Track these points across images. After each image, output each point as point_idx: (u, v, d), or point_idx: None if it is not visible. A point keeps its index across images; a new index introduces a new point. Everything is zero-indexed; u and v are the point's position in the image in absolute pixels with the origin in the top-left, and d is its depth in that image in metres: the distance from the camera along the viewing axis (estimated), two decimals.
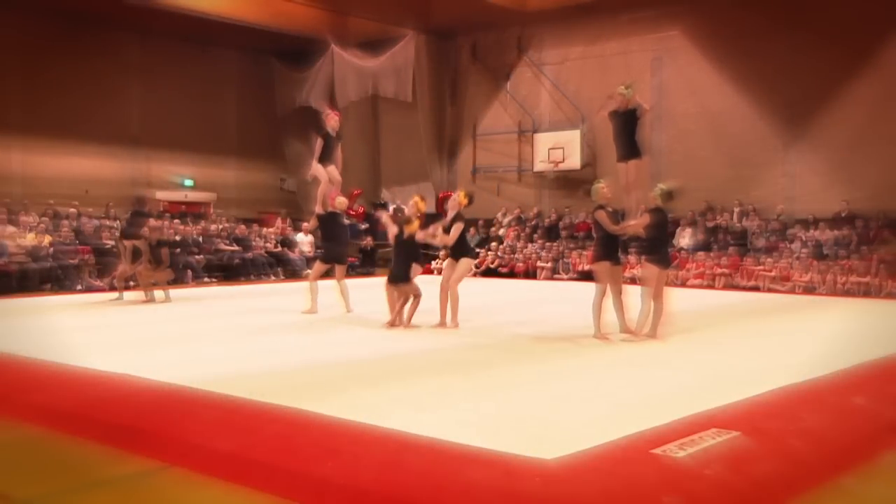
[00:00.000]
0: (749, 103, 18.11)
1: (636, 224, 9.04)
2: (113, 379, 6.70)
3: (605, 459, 4.49)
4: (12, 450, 5.24)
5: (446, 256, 10.46)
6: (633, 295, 9.25)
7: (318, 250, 11.07)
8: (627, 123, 9.37)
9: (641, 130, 9.49)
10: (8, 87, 18.82)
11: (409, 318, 9.89)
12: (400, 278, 9.90)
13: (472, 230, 20.81)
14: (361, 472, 4.32)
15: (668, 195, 9.03)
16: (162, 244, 13.53)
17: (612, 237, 9.02)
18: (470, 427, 5.09)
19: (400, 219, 10.18)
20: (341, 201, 11.87)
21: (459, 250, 9.95)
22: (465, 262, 9.99)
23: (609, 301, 9.02)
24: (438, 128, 22.77)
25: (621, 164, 9.53)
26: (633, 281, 17.36)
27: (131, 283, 14.00)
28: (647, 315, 8.93)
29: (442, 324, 9.88)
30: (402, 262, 9.95)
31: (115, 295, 13.63)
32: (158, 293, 13.27)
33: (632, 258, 17.79)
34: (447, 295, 9.89)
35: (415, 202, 10.31)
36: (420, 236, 10.08)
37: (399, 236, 10.00)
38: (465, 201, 10.05)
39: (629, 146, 9.40)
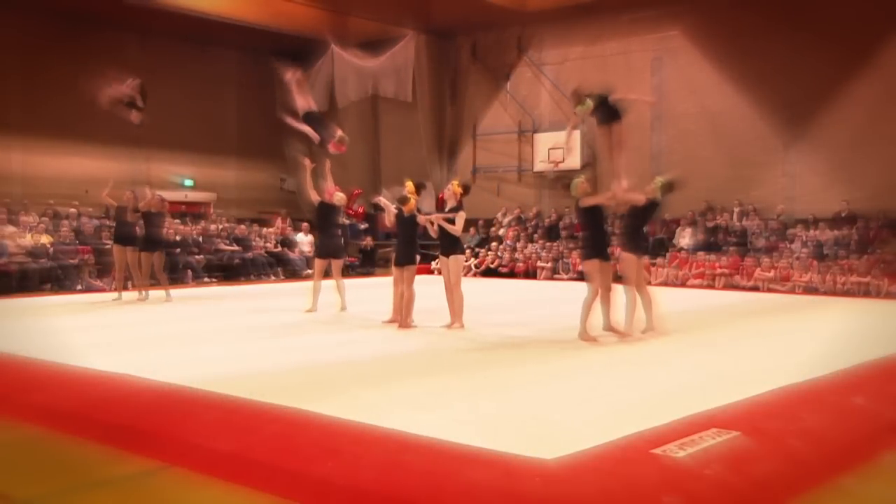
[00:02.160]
0: (749, 103, 18.11)
1: (633, 197, 8.85)
2: (113, 379, 6.70)
3: (605, 459, 4.49)
4: (12, 450, 5.24)
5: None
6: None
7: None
8: (603, 107, 8.98)
9: (620, 99, 9.02)
10: (8, 87, 18.82)
11: (407, 317, 9.86)
12: (405, 260, 9.88)
13: (471, 230, 20.84)
14: (361, 472, 4.32)
15: (669, 187, 9.01)
16: (153, 215, 13.47)
17: (599, 235, 8.86)
18: (470, 427, 5.09)
19: (398, 198, 10.11)
20: (340, 197, 11.84)
21: (450, 245, 9.80)
22: (455, 260, 9.86)
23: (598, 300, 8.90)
24: (438, 128, 22.77)
25: (602, 127, 9.09)
26: None
27: (130, 284, 13.99)
28: (633, 311, 8.86)
29: (451, 324, 9.82)
30: (404, 242, 9.93)
31: (115, 295, 13.65)
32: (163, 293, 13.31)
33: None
34: (453, 296, 9.86)
35: (408, 186, 10.19)
36: (421, 220, 9.97)
37: (399, 216, 9.98)
38: (458, 190, 9.95)
39: (608, 112, 8.97)
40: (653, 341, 8.75)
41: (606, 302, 8.98)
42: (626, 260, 8.91)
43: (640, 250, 9.04)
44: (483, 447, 4.62)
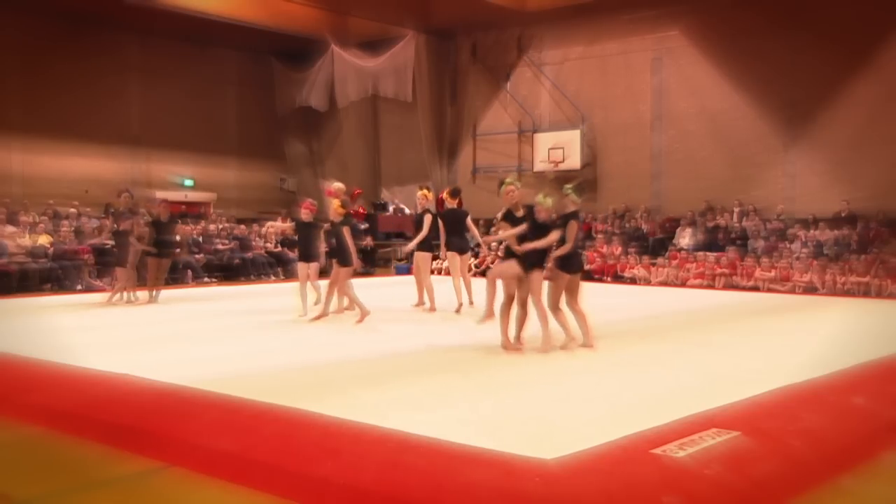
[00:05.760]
0: (749, 103, 18.11)
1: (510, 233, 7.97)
2: (113, 379, 6.69)
3: (605, 459, 4.49)
4: (12, 450, 5.24)
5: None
6: (630, 295, 9.21)
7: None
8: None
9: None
10: (8, 87, 18.82)
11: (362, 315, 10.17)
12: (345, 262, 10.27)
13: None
14: (361, 472, 4.32)
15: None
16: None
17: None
18: (470, 427, 5.09)
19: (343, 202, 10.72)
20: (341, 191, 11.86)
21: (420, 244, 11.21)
22: (417, 257, 11.31)
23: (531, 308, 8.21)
24: (438, 128, 22.77)
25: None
26: (633, 281, 17.49)
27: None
28: (583, 324, 8.30)
29: (419, 303, 11.29)
30: (306, 242, 11.07)
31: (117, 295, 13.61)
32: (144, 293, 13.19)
33: (631, 258, 17.82)
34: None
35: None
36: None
37: (300, 223, 11.12)
38: (429, 195, 11.07)
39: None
40: (651, 343, 8.75)
41: (523, 314, 8.27)
42: (559, 277, 8.18)
43: (574, 268, 8.25)
44: (483, 447, 4.62)
